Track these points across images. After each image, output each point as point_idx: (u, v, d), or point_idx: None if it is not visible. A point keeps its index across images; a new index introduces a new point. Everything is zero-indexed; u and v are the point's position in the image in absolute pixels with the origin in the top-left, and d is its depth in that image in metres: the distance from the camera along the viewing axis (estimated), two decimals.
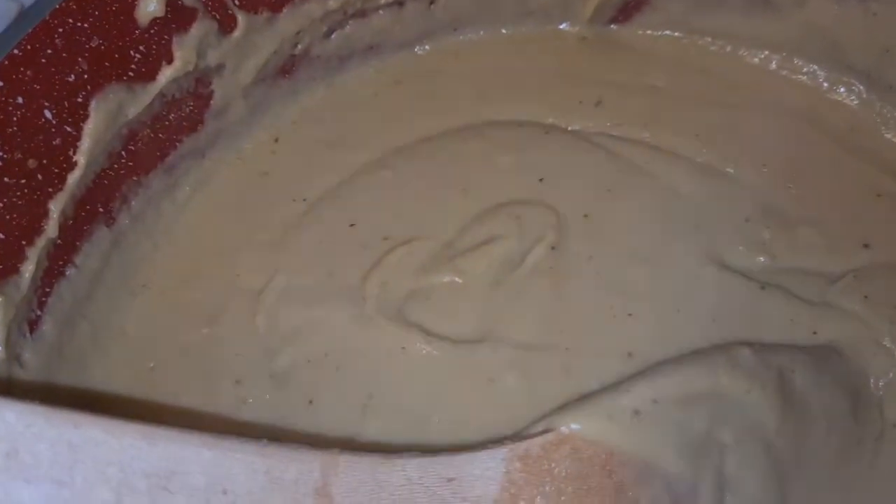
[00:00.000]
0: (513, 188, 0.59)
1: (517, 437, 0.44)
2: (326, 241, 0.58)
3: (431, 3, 0.64)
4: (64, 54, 0.51)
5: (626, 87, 0.64)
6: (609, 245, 0.56)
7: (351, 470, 0.41)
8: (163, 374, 0.55)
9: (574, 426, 0.44)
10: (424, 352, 0.53)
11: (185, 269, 0.59)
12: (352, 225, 0.59)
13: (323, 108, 0.65)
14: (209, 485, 0.38)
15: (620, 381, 0.47)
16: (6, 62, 0.48)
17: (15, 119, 0.49)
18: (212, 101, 0.60)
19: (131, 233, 0.58)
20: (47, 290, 0.52)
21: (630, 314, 0.54)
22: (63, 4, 0.50)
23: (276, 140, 0.64)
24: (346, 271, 0.57)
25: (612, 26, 0.66)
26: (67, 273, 0.54)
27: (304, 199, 0.61)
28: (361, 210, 0.59)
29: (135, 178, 0.58)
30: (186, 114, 0.59)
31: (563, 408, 0.45)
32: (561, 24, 0.67)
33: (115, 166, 0.56)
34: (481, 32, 0.67)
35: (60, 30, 0.50)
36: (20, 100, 0.49)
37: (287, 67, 0.63)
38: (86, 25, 0.51)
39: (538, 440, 0.43)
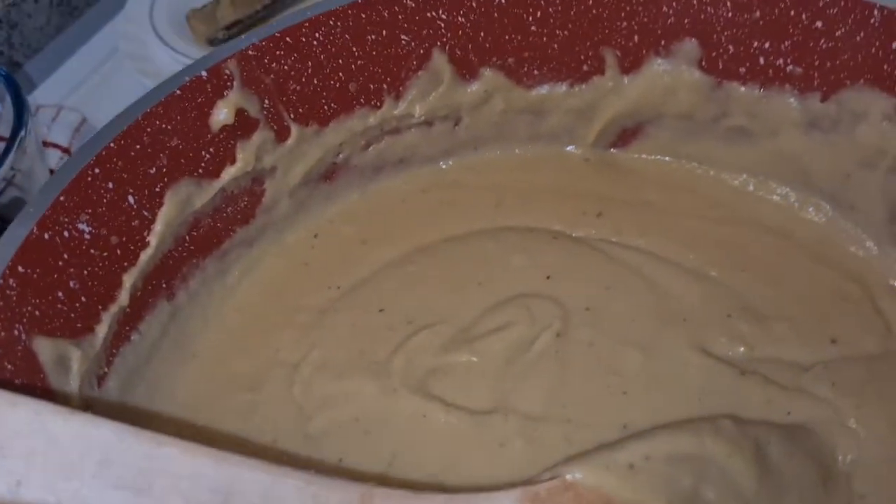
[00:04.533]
0: (523, 283, 0.67)
1: (526, 482, 0.51)
2: (358, 323, 0.66)
3: (456, 124, 0.74)
4: (149, 150, 0.60)
5: (623, 202, 0.73)
6: (607, 334, 0.64)
7: (385, 502, 0.47)
8: (207, 434, 0.61)
9: (577, 475, 0.50)
10: (443, 420, 0.60)
11: (231, 343, 0.66)
12: (381, 310, 0.67)
13: (357, 210, 0.74)
14: None
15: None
16: (103, 152, 0.58)
17: (105, 201, 0.58)
18: (263, 199, 0.69)
19: (187, 308, 0.66)
20: (114, 351, 0.60)
21: (625, 392, 0.61)
22: (153, 108, 0.60)
23: (316, 236, 0.73)
24: (376, 349, 0.64)
25: (612, 150, 0.76)
26: (132, 338, 0.61)
27: (339, 287, 0.69)
28: (389, 298, 0.67)
29: (194, 261, 0.66)
30: (241, 208, 0.68)
31: (567, 460, 0.52)
32: (567, 146, 0.77)
33: (179, 249, 0.64)
34: (497, 151, 0.77)
35: (149, 129, 0.60)
36: (110, 185, 0.58)
37: (328, 173, 0.73)
38: (169, 127, 0.61)
39: (545, 485, 0.50)
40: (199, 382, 0.64)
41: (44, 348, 0.53)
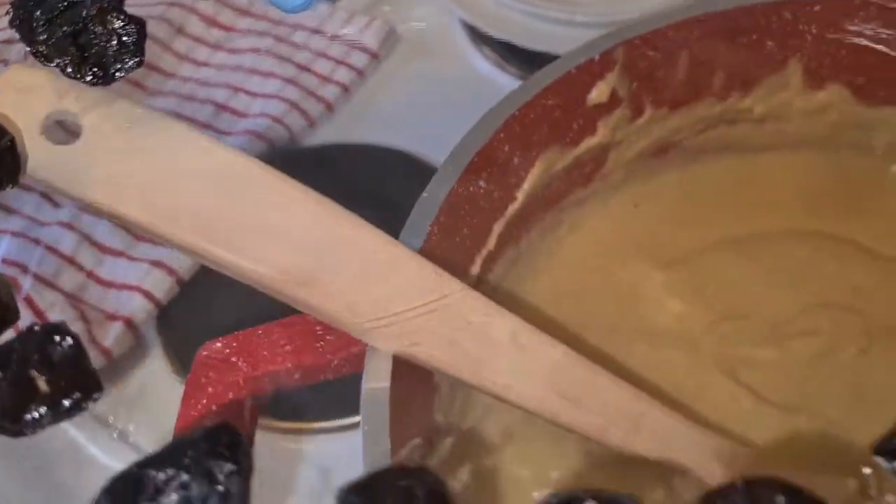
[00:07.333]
0: (831, 293, 0.72)
1: None
2: None
3: (786, 124, 0.78)
4: (540, 120, 0.67)
5: None
6: None
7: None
8: None
9: None
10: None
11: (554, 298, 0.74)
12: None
13: (674, 189, 0.79)
14: None
15: None
16: (510, 119, 0.65)
17: (499, 161, 0.65)
18: (603, 167, 0.75)
19: (525, 256, 0.74)
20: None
21: None
22: (551, 84, 0.66)
23: (636, 205, 0.79)
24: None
25: None
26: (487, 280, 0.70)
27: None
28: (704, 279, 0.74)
29: (538, 214, 0.73)
30: (584, 173, 0.75)
31: None
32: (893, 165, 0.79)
33: (532, 204, 0.72)
34: (818, 156, 0.80)
35: (544, 101, 0.67)
36: (506, 147, 0.66)
37: (659, 151, 0.78)
38: (558, 101, 0.68)
39: None
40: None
41: None
